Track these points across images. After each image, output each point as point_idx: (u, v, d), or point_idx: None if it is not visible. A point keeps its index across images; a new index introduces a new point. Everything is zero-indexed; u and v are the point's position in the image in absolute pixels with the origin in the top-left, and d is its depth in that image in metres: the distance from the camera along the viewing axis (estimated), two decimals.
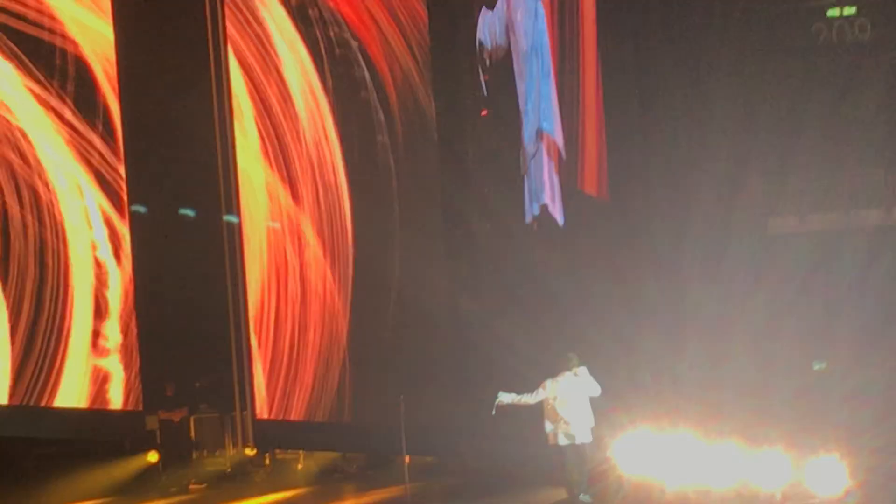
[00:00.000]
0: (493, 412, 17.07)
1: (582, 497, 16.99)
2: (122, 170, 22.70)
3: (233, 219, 22.41)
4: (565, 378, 16.98)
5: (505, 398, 17.04)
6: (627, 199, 18.76)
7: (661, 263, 18.27)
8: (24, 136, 23.18)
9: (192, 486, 21.65)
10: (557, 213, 19.60)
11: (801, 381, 17.95)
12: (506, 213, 19.84)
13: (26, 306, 23.23)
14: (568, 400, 16.92)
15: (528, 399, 17.02)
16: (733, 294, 18.02)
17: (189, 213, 22.69)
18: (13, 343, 23.25)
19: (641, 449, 16.99)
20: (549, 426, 17.00)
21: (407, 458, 18.10)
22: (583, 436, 16.97)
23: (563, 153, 19.30)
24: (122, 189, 22.74)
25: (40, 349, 23.16)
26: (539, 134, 19.56)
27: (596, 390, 16.95)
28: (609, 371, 17.44)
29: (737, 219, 18.27)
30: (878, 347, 17.78)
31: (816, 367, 18.38)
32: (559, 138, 19.34)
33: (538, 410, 17.17)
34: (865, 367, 17.65)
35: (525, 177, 19.86)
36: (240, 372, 22.35)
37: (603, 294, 18.30)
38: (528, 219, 19.77)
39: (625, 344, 17.89)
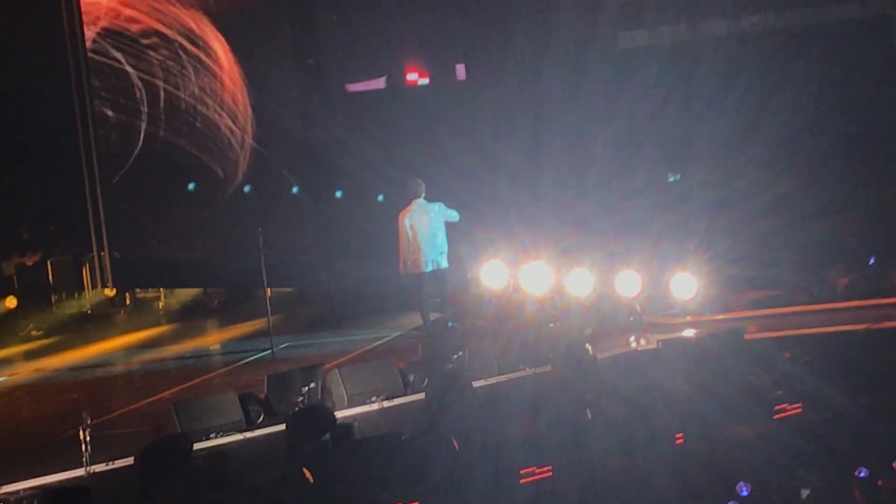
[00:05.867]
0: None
1: (450, 325, 16.97)
2: None
3: None
4: (417, 205, 16.82)
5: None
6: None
7: (520, 80, 18.17)
8: None
9: (52, 330, 21.25)
10: None
11: (660, 195, 18.07)
12: None
13: None
14: (423, 226, 16.79)
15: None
16: (592, 110, 18.00)
17: None
18: None
19: (502, 267, 16.96)
20: (406, 255, 16.88)
21: (268, 291, 17.89)
22: (441, 261, 16.91)
23: None
24: None
25: None
26: None
27: (454, 217, 16.85)
28: (470, 189, 17.39)
29: (590, 34, 18.17)
30: (734, 160, 17.96)
31: (671, 178, 18.53)
32: None
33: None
34: (722, 180, 17.84)
35: None
36: (95, 212, 21.86)
37: (462, 111, 18.18)
38: None
39: (485, 161, 17.82)
